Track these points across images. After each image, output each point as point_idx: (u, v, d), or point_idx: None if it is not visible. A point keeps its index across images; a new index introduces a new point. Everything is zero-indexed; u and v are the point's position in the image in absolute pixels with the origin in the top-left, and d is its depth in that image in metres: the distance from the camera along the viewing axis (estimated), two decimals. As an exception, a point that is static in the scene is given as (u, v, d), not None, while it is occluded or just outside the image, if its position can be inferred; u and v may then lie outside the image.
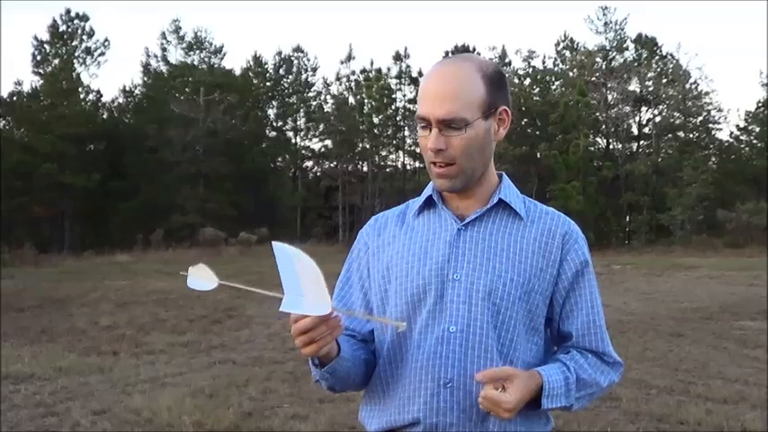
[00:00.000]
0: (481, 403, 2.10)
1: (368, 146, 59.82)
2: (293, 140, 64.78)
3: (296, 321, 2.04)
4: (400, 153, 62.25)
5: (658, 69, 58.54)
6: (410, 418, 2.27)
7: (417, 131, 2.30)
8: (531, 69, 61.55)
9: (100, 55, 56.01)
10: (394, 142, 61.28)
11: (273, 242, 2.07)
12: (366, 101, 59.54)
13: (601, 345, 2.34)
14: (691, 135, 57.31)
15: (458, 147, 2.21)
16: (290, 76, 64.67)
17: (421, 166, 58.67)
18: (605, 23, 58.91)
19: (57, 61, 54.38)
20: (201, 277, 2.23)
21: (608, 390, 2.38)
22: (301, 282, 2.01)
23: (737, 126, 58.90)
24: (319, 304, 2.00)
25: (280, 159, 64.47)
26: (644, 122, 59.40)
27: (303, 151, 64.76)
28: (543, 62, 62.72)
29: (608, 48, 58.85)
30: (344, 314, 2.30)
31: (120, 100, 63.05)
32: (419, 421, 2.25)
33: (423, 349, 2.26)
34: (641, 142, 59.44)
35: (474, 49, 56.74)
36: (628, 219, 55.94)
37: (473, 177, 2.29)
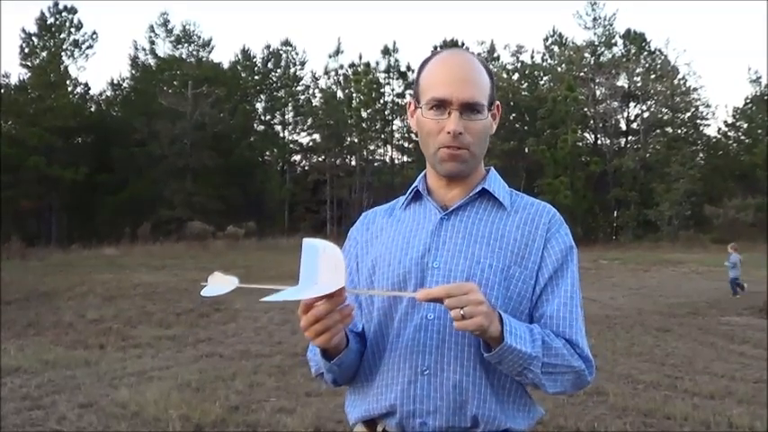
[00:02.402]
0: (449, 305, 1.97)
1: (356, 140, 59.85)
2: (281, 134, 64.83)
3: (307, 311, 2.02)
4: (388, 147, 62.41)
5: (647, 65, 58.71)
6: (387, 405, 2.26)
7: (422, 115, 2.27)
8: (519, 64, 61.74)
9: (88, 48, 55.97)
10: (382, 136, 61.36)
11: (304, 239, 2.07)
12: (354, 95, 59.64)
13: (571, 332, 2.24)
14: (679, 131, 57.51)
15: (475, 132, 2.23)
16: (279, 70, 64.71)
17: (409, 160, 58.81)
18: (594, 19, 59.12)
19: (44, 54, 54.28)
20: (219, 283, 2.17)
21: (582, 382, 2.27)
22: (320, 269, 2.00)
23: (725, 122, 59.33)
24: (332, 282, 1.98)
25: (268, 153, 64.48)
26: (632, 118, 59.65)
27: (291, 145, 64.86)
28: (532, 57, 62.98)
29: (596, 43, 58.98)
30: (359, 294, 2.33)
31: (108, 93, 63.17)
32: (395, 409, 2.24)
33: (402, 337, 2.25)
34: (629, 138, 59.58)
35: (463, 44, 56.79)
36: (615, 214, 56.13)
37: (475, 165, 2.31)
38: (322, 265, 2.00)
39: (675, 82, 56.79)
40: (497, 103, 2.32)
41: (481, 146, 2.27)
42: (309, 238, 2.08)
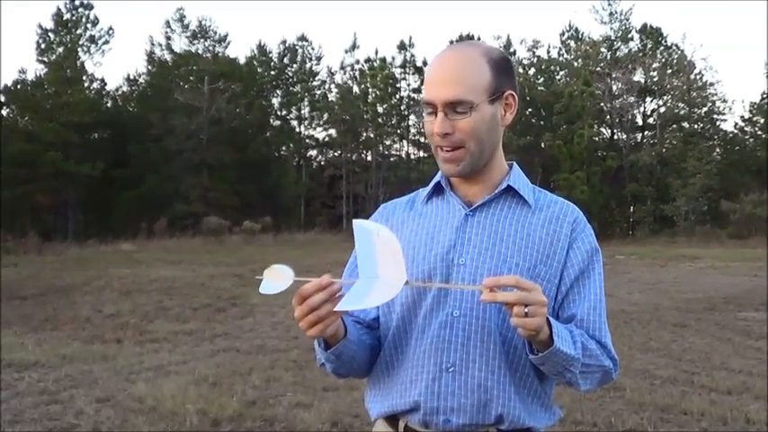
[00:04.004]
0: (516, 300, 1.92)
1: (372, 135, 59.84)
2: (297, 129, 64.85)
3: (302, 301, 2.02)
4: (404, 142, 62.35)
5: (663, 60, 58.48)
6: (410, 402, 2.26)
7: (423, 118, 2.29)
8: (535, 59, 61.62)
9: (104, 43, 56.01)
10: (398, 131, 61.30)
11: (354, 220, 2.08)
12: (370, 90, 59.63)
13: (600, 335, 2.27)
14: (695, 126, 57.28)
15: (464, 130, 2.20)
16: (295, 65, 64.69)
17: (425, 155, 58.72)
18: (610, 13, 58.91)
19: (61, 49, 54.32)
20: (275, 278, 2.11)
21: (608, 379, 2.32)
22: (378, 259, 2.00)
23: (742, 117, 58.92)
24: (394, 277, 1.98)
25: (284, 148, 64.43)
26: (648, 113, 59.40)
27: (307, 140, 64.91)
28: (548, 52, 62.87)
29: (613, 38, 58.81)
30: (421, 287, 2.26)
31: (124, 88, 63.29)
32: (419, 405, 2.24)
33: (426, 334, 2.25)
34: (646, 133, 59.38)
35: (479, 39, 56.66)
36: (632, 209, 55.95)
37: (480, 162, 2.28)
38: (380, 255, 2.00)
39: (692, 77, 56.59)
40: (509, 92, 2.29)
41: (479, 141, 2.24)
42: (359, 219, 2.07)
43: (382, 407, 2.36)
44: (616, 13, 58.80)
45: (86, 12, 55.18)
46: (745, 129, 58.47)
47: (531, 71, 60.65)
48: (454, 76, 2.20)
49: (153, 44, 61.41)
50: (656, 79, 57.64)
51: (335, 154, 62.83)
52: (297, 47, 64.68)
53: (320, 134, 64.99)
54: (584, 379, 2.22)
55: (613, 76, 57.70)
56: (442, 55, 2.28)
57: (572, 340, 2.13)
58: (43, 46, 54.43)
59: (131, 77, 63.16)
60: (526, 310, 1.91)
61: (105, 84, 59.10)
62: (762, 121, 56.37)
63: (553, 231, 2.29)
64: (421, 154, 60.58)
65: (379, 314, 2.41)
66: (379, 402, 2.38)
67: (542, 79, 60.40)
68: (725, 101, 59.45)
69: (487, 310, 2.20)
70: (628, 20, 58.92)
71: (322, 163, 64.70)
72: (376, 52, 63.78)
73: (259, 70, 64.25)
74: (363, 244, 2.05)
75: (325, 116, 62.56)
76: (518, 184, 2.34)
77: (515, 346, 2.21)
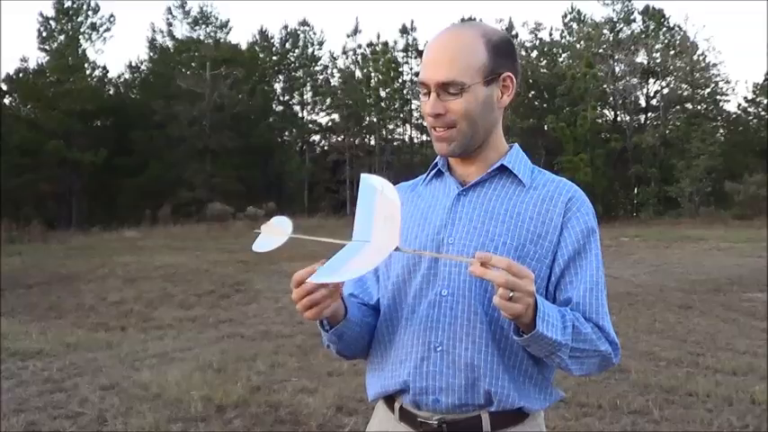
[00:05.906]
0: (504, 283, 1.89)
1: (375, 119, 59.78)
2: (300, 114, 64.84)
3: (298, 285, 2.05)
4: (407, 126, 62.34)
5: (666, 41, 58.37)
6: (400, 382, 2.27)
7: (420, 98, 2.30)
8: (538, 42, 61.49)
9: (105, 31, 55.94)
10: (401, 115, 61.28)
11: (362, 174, 2.12)
12: (373, 74, 59.57)
13: (597, 318, 2.22)
14: (698, 107, 57.17)
15: (457, 111, 2.20)
16: (297, 50, 64.65)
17: (428, 139, 58.56)
18: (612, -5, 58.73)
19: (62, 37, 54.27)
20: (272, 234, 2.14)
21: (608, 364, 2.27)
22: (375, 220, 2.01)
23: (745, 98, 58.98)
24: (386, 241, 1.97)
25: (287, 134, 64.47)
26: (651, 94, 59.31)
27: (310, 125, 64.90)
28: (550, 34, 62.87)
29: (615, 19, 58.65)
30: (413, 254, 2.26)
31: (127, 76, 63.25)
32: (408, 386, 2.25)
33: (416, 314, 2.25)
34: (649, 114, 59.30)
35: (480, 21, 56.56)
36: (636, 191, 55.92)
37: (473, 143, 2.27)
38: (377, 216, 2.00)
39: (695, 58, 56.47)
40: (506, 74, 2.27)
41: (472, 122, 2.23)
42: (368, 174, 2.09)
43: (376, 387, 2.37)
44: (618, -6, 58.71)
45: (87, -1, 55.15)
46: (749, 109, 58.45)
47: (534, 54, 60.54)
48: (448, 58, 2.20)
49: (154, 31, 61.54)
50: (658, 60, 57.55)
51: (338, 139, 62.73)
52: (299, 32, 64.66)
53: (323, 119, 65.15)
54: (578, 364, 2.18)
55: (616, 57, 57.63)
56: (439, 36, 2.27)
57: (562, 324, 2.09)
58: (45, 34, 54.39)
59: (133, 64, 63.26)
60: (511, 294, 1.90)
61: (107, 71, 59.09)
62: (765, 101, 56.32)
63: (545, 211, 2.26)
64: (424, 138, 60.54)
65: (380, 296, 2.41)
66: (374, 383, 2.39)
67: (545, 62, 60.28)
68: (728, 81, 59.48)
69: (473, 288, 2.20)
70: (630, 1, 58.80)
71: (325, 148, 64.69)
72: (378, 36, 64.27)
73: (261, 56, 64.21)
74: (364, 201, 2.07)
75: (328, 101, 62.58)
76: (513, 164, 2.32)
77: (501, 325, 2.20)
